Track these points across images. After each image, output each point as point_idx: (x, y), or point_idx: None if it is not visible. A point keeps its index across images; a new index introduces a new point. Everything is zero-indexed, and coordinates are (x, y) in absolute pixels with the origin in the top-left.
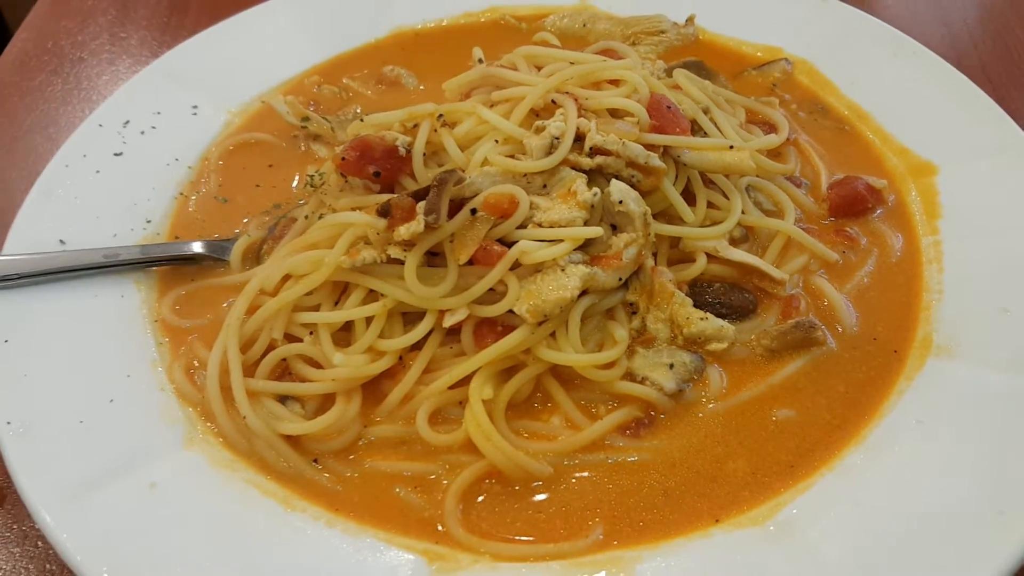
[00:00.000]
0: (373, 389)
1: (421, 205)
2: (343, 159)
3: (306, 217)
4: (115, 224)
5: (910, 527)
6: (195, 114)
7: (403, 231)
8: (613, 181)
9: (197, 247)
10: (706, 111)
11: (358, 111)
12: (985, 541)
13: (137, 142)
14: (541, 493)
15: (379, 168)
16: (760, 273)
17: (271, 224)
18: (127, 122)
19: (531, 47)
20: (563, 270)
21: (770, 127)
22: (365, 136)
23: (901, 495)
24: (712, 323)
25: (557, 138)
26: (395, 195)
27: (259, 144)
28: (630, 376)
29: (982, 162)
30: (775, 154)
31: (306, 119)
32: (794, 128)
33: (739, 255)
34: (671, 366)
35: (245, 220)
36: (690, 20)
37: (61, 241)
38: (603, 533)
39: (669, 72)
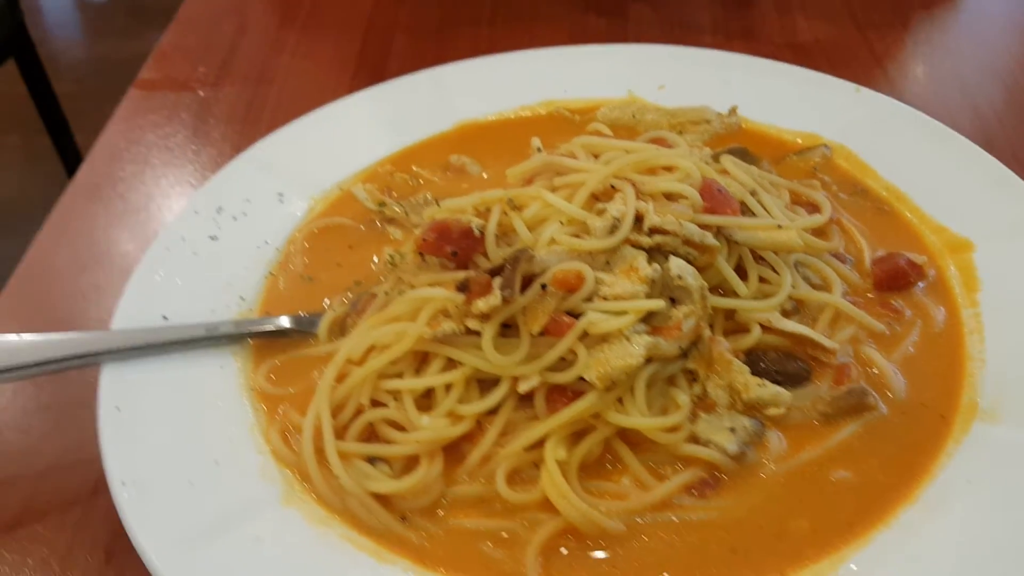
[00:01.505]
0: (453, 451)
1: (497, 281)
2: (424, 240)
3: (386, 293)
4: (212, 301)
5: None
6: (281, 201)
7: (481, 305)
8: (671, 258)
9: (285, 322)
10: (753, 193)
11: (428, 196)
12: None
13: (230, 227)
14: (614, 549)
15: (456, 248)
16: (812, 343)
17: (354, 300)
18: (220, 208)
19: (588, 137)
20: (628, 339)
21: (813, 207)
22: (442, 219)
23: (954, 549)
24: (769, 389)
25: (618, 219)
26: (472, 272)
27: (339, 227)
28: (694, 439)
29: (1016, 238)
30: (819, 233)
31: (382, 204)
32: (836, 208)
33: (791, 326)
34: (732, 430)
35: (327, 301)
36: (733, 110)
37: (164, 317)
38: None
39: (716, 158)
